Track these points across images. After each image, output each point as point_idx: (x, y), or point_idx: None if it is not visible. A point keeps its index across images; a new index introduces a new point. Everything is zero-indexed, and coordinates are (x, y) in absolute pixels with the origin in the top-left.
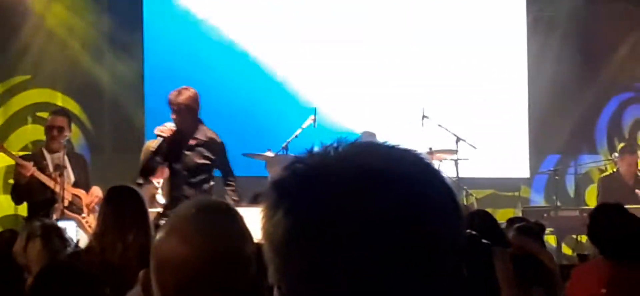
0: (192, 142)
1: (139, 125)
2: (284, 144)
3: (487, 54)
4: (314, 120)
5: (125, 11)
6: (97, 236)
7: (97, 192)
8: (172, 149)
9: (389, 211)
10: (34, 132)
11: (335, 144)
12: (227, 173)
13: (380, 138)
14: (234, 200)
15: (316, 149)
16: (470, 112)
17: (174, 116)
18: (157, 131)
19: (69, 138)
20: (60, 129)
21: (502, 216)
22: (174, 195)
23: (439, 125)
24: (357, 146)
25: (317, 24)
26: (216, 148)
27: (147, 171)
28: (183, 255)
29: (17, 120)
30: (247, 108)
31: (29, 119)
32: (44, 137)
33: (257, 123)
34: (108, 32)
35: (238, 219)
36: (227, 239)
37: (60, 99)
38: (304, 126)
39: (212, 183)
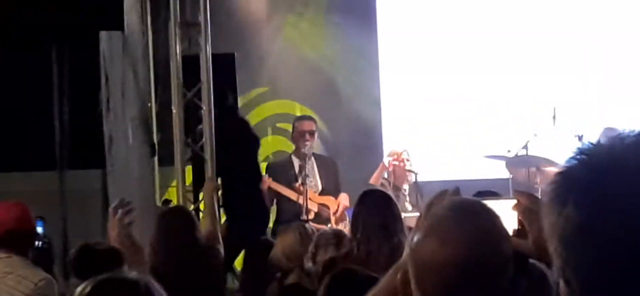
0: None
1: (376, 132)
2: (523, 144)
3: None
4: (554, 118)
5: (360, 18)
6: (361, 241)
7: (344, 199)
8: None
9: None
10: (274, 143)
11: (621, 136)
12: None
13: None
14: None
15: (601, 141)
16: None
17: None
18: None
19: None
20: (312, 133)
21: None
22: None
23: None
24: None
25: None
26: None
27: None
28: (445, 257)
29: (257, 132)
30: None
31: (269, 130)
32: (285, 148)
33: (494, 123)
34: (343, 39)
35: (495, 217)
36: (489, 239)
37: (298, 109)
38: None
39: None
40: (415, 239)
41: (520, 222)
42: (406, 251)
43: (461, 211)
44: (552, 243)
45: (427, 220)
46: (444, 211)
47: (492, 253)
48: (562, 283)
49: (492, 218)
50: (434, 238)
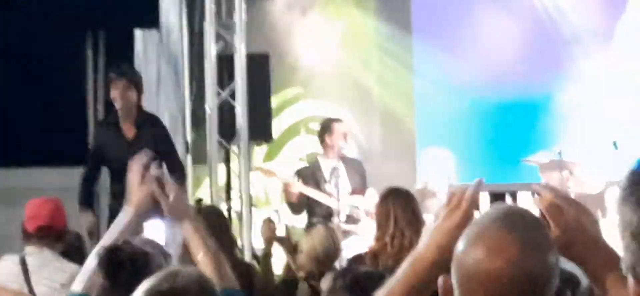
0: None
1: (409, 132)
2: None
3: None
4: None
5: (394, 17)
6: (394, 236)
7: (374, 196)
8: None
9: None
10: (308, 144)
11: None
12: None
13: None
14: None
15: None
16: None
17: None
18: None
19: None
20: (345, 135)
21: None
22: None
23: None
24: None
25: None
26: None
27: None
28: (493, 267)
29: (290, 133)
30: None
31: (303, 130)
32: (317, 150)
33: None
34: (377, 40)
35: (543, 227)
36: (538, 251)
37: (331, 110)
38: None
39: None
40: (460, 247)
41: (542, 217)
42: (423, 241)
43: (509, 221)
44: (624, 239)
45: (473, 227)
46: (492, 220)
47: (541, 264)
48: (631, 279)
49: (541, 228)
50: (482, 247)
